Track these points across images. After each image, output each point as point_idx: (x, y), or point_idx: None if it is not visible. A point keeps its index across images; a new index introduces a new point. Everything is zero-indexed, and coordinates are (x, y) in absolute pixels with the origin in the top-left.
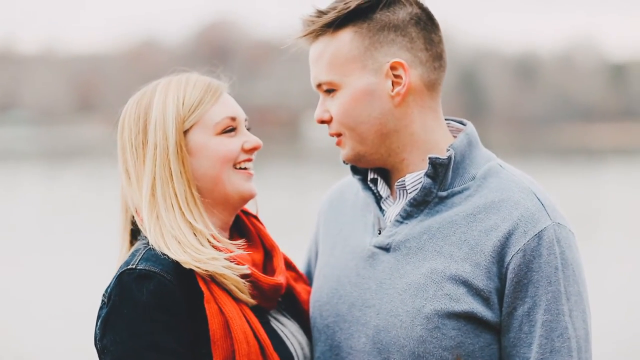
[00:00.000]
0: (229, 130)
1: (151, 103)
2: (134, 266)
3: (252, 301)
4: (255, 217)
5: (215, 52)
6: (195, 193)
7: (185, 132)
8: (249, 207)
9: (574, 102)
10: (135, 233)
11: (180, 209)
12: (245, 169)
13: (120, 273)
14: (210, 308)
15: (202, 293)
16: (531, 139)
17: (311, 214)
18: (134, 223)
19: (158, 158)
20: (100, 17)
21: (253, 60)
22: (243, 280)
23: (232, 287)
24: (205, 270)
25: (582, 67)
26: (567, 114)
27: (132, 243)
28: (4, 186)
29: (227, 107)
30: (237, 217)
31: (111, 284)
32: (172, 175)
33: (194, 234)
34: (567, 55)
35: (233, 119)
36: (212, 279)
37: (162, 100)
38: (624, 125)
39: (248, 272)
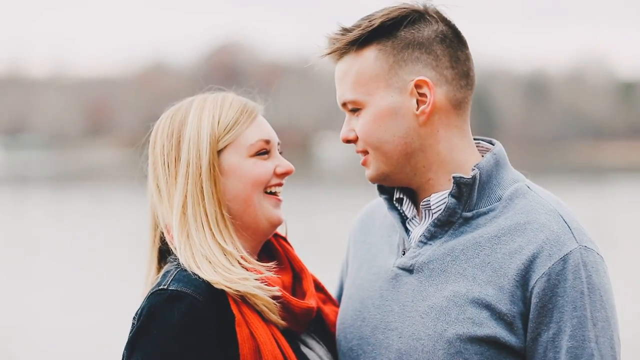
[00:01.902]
0: (263, 152)
1: (186, 119)
2: (165, 287)
3: (282, 323)
4: (284, 239)
5: (225, 74)
6: (226, 214)
7: (219, 152)
8: (278, 228)
9: (584, 120)
10: (163, 253)
11: (211, 229)
12: (274, 194)
13: (151, 294)
14: (241, 332)
15: (233, 316)
16: (542, 158)
17: (323, 235)
18: (162, 241)
19: (190, 176)
20: (110, 41)
21: (263, 82)
22: (274, 301)
23: (263, 308)
24: (237, 291)
25: (592, 86)
26: (578, 132)
27: (159, 264)
28: (15, 210)
29: (262, 129)
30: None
31: (141, 304)
32: (203, 194)
33: (224, 254)
34: (577, 74)
35: (267, 142)
36: (243, 300)
37: (198, 117)
38: (634, 143)
39: (279, 293)
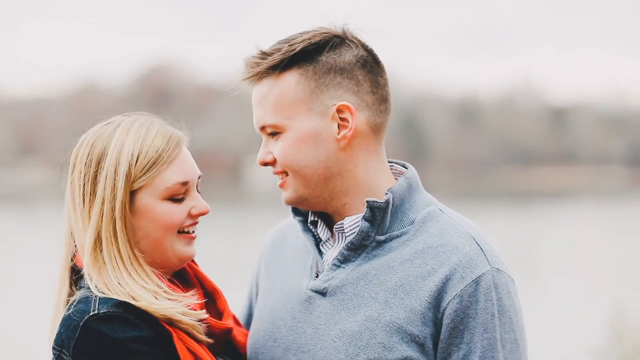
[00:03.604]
0: (178, 195)
1: (106, 150)
2: (96, 311)
3: (210, 340)
4: (192, 260)
5: (157, 96)
6: (139, 254)
7: (133, 192)
8: None
9: (514, 145)
10: (77, 274)
11: (127, 269)
12: (189, 232)
13: (85, 322)
14: (181, 347)
15: (170, 333)
16: (472, 182)
17: (252, 258)
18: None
19: (104, 215)
20: (42, 62)
21: (194, 104)
22: (200, 323)
23: (192, 330)
24: (163, 315)
25: (522, 111)
26: (508, 157)
27: (71, 287)
28: None
29: (182, 169)
30: None
31: (70, 336)
32: (116, 234)
33: (145, 290)
34: (508, 99)
35: (185, 183)
36: (170, 323)
37: (117, 151)
38: (563, 168)
39: (205, 316)
